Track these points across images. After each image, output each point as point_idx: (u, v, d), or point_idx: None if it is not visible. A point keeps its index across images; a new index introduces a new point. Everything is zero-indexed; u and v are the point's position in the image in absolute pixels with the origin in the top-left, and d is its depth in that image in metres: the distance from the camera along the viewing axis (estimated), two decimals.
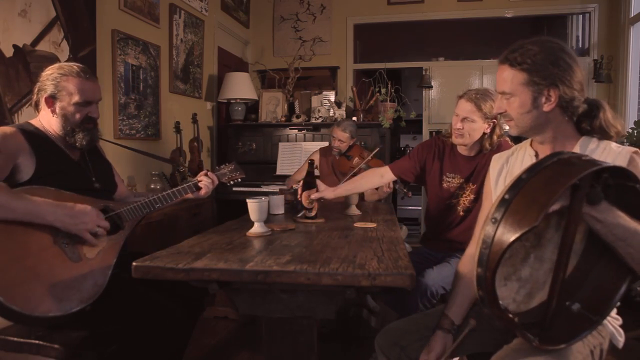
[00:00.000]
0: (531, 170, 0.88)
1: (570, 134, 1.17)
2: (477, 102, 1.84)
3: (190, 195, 1.75)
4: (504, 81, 1.17)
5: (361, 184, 2.16)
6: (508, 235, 0.83)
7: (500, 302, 0.89)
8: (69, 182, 1.49)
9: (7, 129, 1.46)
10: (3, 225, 1.28)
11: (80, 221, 1.38)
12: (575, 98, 1.12)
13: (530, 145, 1.27)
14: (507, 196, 0.87)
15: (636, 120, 3.28)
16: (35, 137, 1.50)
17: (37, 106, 1.56)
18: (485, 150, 1.94)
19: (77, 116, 1.53)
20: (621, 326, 1.18)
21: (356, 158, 2.86)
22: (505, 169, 1.32)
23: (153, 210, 1.63)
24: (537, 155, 1.24)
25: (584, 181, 0.86)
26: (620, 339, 1.16)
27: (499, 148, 1.90)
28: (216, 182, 1.81)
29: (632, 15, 3.94)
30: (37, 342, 1.35)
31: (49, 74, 1.52)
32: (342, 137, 3.07)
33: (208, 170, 1.82)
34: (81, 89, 1.52)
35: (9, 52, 2.01)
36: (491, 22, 4.80)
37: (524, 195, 0.86)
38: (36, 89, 1.54)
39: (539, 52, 1.11)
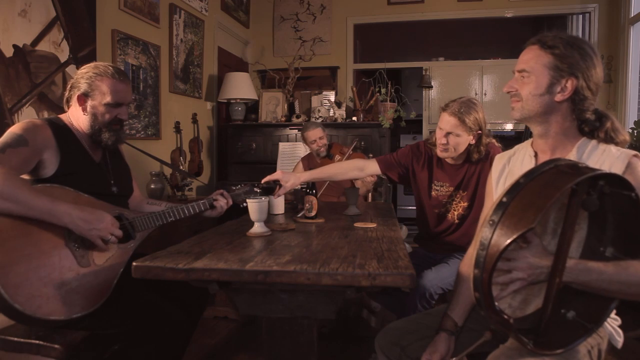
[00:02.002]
0: (529, 175, 0.90)
1: (571, 134, 1.16)
2: (460, 116, 1.79)
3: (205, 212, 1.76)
4: (527, 60, 1.16)
5: (336, 174, 2.12)
6: (505, 237, 0.84)
7: (496, 303, 0.90)
8: (88, 184, 1.50)
9: (37, 121, 1.46)
10: (17, 221, 1.28)
11: (94, 227, 1.37)
12: (588, 100, 1.12)
13: (531, 145, 1.27)
14: (504, 199, 0.88)
15: (636, 120, 3.28)
16: (62, 133, 1.51)
17: (67, 102, 1.58)
18: (473, 159, 1.91)
19: (107, 117, 1.55)
20: (620, 326, 1.18)
21: (337, 155, 2.85)
22: (507, 168, 1.32)
23: (166, 223, 1.63)
24: (536, 155, 1.23)
25: (581, 187, 0.87)
26: (619, 339, 1.16)
27: (487, 155, 1.89)
28: (230, 203, 1.81)
29: (632, 15, 3.94)
30: (37, 342, 1.35)
31: (84, 72, 1.54)
32: (319, 135, 3.02)
33: (223, 191, 1.82)
34: (114, 90, 1.54)
35: (9, 52, 2.02)
36: (491, 22, 4.80)
37: (521, 199, 0.87)
38: (69, 86, 1.57)
39: (572, 42, 1.11)
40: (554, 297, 0.93)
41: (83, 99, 1.53)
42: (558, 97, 1.12)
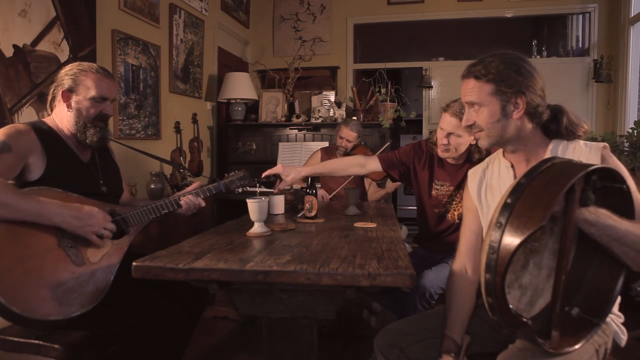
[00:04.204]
0: (529, 175, 0.90)
1: (539, 140, 1.19)
2: (462, 117, 1.79)
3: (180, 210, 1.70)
4: (471, 92, 1.18)
5: (336, 170, 2.11)
6: (515, 237, 0.84)
7: (511, 306, 0.89)
8: (77, 185, 1.49)
9: (20, 126, 1.46)
10: (8, 225, 1.27)
11: (86, 223, 1.37)
12: (540, 104, 1.15)
13: (503, 156, 1.27)
14: (509, 200, 0.87)
15: (636, 120, 3.28)
16: (47, 136, 1.50)
17: (51, 104, 1.58)
18: (474, 159, 1.91)
19: (92, 111, 1.55)
20: (623, 324, 1.18)
21: None
22: (484, 182, 1.32)
23: (160, 216, 1.63)
24: (512, 166, 1.24)
25: (578, 184, 0.87)
26: (623, 337, 1.17)
27: (488, 155, 1.88)
28: (202, 204, 1.74)
29: (632, 15, 3.94)
30: (37, 342, 1.35)
31: (68, 70, 1.55)
32: (350, 137, 3.06)
33: (201, 187, 1.75)
34: (98, 84, 1.54)
35: (9, 52, 2.01)
36: (491, 22, 4.80)
37: (526, 199, 0.87)
38: (52, 89, 1.57)
39: (500, 62, 1.14)
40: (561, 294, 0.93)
41: (67, 94, 1.53)
42: (515, 115, 1.15)
